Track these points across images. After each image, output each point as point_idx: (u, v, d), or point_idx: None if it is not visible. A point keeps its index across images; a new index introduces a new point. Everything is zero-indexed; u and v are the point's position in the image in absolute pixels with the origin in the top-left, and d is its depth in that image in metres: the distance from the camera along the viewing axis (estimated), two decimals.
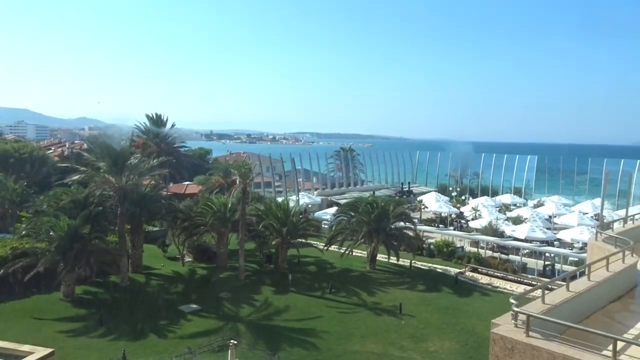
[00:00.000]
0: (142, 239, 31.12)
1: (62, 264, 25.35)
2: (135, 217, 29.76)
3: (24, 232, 26.19)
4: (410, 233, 34.01)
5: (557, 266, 34.61)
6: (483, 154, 69.43)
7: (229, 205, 32.14)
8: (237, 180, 30.09)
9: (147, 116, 50.50)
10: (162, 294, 27.85)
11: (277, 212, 31.34)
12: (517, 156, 67.29)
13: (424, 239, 38.11)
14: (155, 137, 48.03)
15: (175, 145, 51.86)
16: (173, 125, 50.73)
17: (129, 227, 29.64)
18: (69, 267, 25.41)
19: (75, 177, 27.67)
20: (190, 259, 34.88)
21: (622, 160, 59.14)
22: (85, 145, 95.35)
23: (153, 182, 31.70)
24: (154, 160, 29.70)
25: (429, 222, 50.84)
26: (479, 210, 48.25)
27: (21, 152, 57.32)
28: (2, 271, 24.59)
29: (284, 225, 31.00)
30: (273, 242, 30.83)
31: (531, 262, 36.12)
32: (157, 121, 49.33)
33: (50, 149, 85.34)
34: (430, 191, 67.72)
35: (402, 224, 33.87)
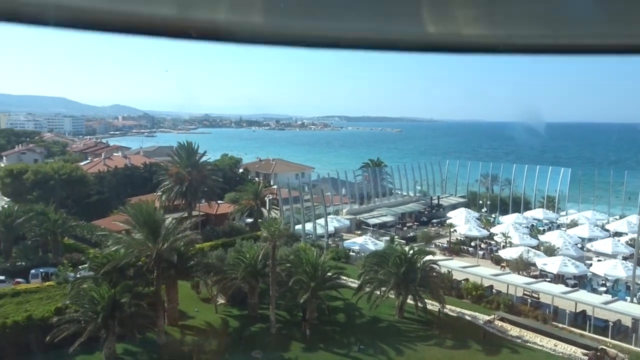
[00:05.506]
0: (177, 294, 32.39)
1: (103, 331, 26.87)
2: (170, 277, 31.03)
3: (68, 301, 27.78)
4: (438, 281, 34.31)
5: (589, 312, 34.31)
6: (515, 165, 68.30)
7: (259, 257, 32.94)
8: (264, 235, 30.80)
9: (179, 143, 51.74)
10: (197, 354, 29.12)
11: (307, 267, 32.03)
12: (550, 167, 66.05)
13: (452, 279, 38.22)
14: (187, 165, 49.18)
15: (208, 169, 53.37)
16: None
17: (164, 285, 30.88)
18: (110, 333, 26.89)
19: (114, 248, 29.05)
20: (223, 301, 36.07)
21: None
22: (117, 153, 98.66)
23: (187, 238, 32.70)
24: (187, 222, 30.69)
25: (458, 244, 50.88)
26: (509, 237, 47.85)
27: (60, 173, 59.50)
28: (48, 338, 26.27)
29: (312, 280, 31.69)
30: (302, 299, 31.51)
31: (563, 304, 35.81)
32: (189, 149, 50.43)
33: (87, 158, 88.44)
34: (460, 203, 67.50)
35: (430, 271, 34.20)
